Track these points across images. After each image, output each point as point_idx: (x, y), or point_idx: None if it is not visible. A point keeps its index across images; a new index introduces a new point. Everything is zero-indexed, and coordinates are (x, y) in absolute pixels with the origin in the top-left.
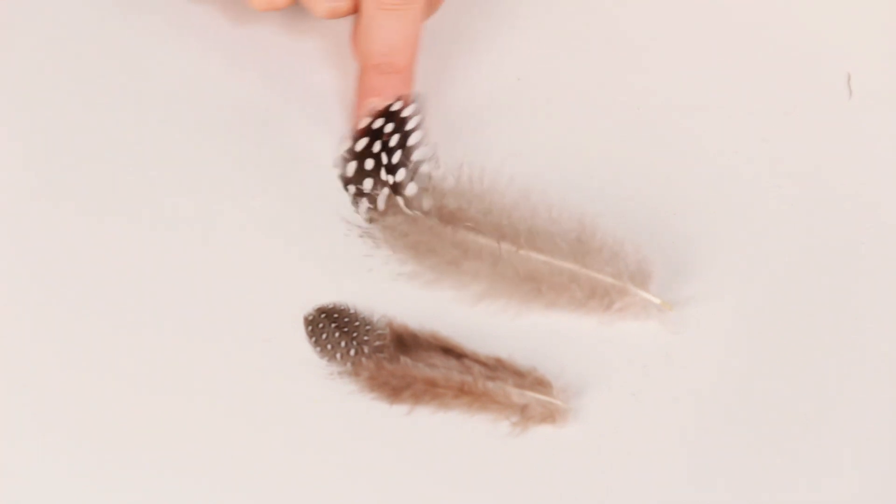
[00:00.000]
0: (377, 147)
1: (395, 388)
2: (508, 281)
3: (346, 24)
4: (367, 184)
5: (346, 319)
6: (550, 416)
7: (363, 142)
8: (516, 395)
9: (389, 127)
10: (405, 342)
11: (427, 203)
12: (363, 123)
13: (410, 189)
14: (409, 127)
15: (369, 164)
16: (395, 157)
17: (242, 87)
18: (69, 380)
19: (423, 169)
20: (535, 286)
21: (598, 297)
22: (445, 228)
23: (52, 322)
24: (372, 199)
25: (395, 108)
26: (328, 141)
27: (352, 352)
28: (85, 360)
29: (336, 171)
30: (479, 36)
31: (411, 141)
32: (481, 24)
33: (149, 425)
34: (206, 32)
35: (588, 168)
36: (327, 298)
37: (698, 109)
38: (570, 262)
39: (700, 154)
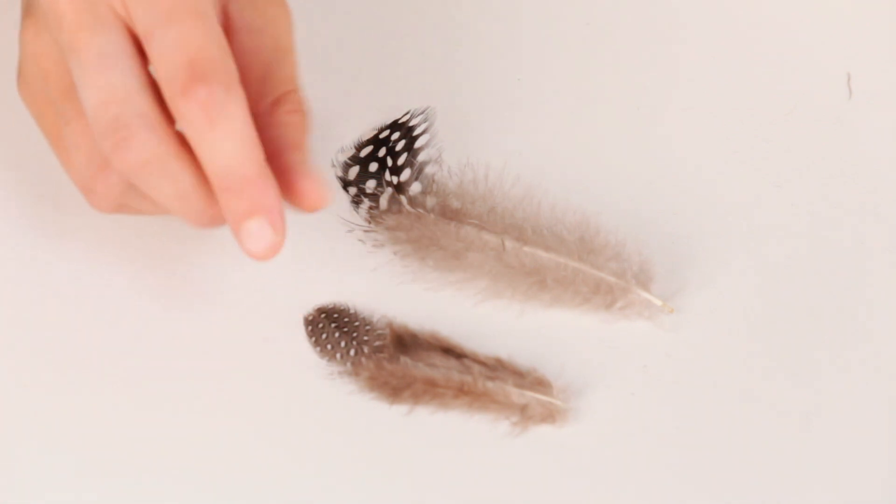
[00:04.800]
0: (382, 152)
1: (395, 388)
2: (513, 273)
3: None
4: (370, 184)
5: (346, 319)
6: (550, 416)
7: (368, 149)
8: (516, 395)
9: (396, 135)
10: (405, 342)
11: (430, 202)
12: (369, 134)
13: (414, 188)
14: (416, 133)
15: (373, 167)
16: (401, 160)
17: None
18: (69, 380)
19: (428, 170)
20: (540, 279)
21: (602, 293)
22: (449, 224)
23: (51, 323)
24: (374, 198)
25: (402, 120)
26: (329, 141)
27: (352, 352)
28: (85, 361)
29: (336, 173)
30: (479, 36)
31: (417, 144)
32: (481, 24)
33: (149, 425)
34: None
35: (588, 168)
36: (327, 298)
37: (698, 109)
38: (574, 260)
39: (700, 154)
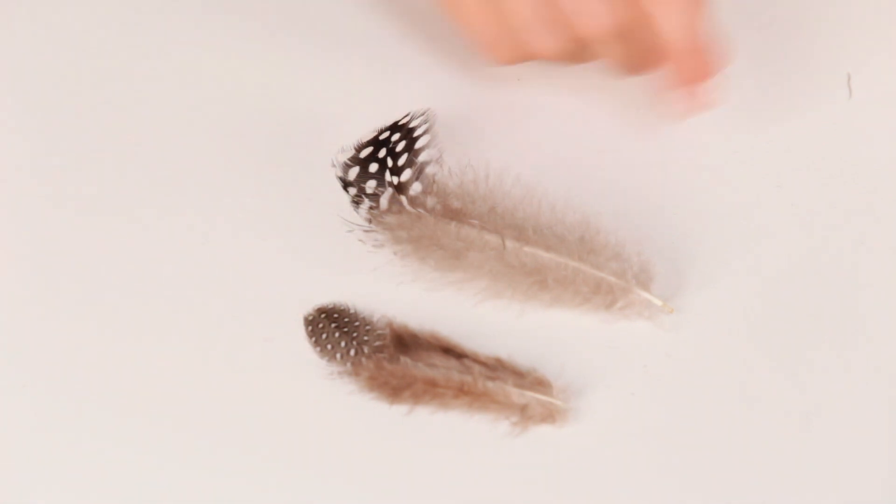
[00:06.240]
0: (382, 153)
1: (395, 388)
2: (514, 273)
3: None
4: (371, 184)
5: (346, 319)
6: (550, 416)
7: (368, 150)
8: (516, 395)
9: (396, 136)
10: (405, 342)
11: (431, 202)
12: (370, 136)
13: (415, 188)
14: (416, 135)
15: (373, 167)
16: (401, 160)
17: (243, 88)
18: (69, 382)
19: (428, 170)
20: (541, 278)
21: (602, 293)
22: (449, 224)
23: (51, 325)
24: (374, 198)
25: (402, 121)
26: (329, 141)
27: (352, 352)
28: (86, 362)
29: (336, 173)
30: None
31: (417, 145)
32: None
33: (149, 425)
34: (210, 34)
35: (588, 168)
36: (327, 298)
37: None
38: (575, 260)
39: (700, 154)
